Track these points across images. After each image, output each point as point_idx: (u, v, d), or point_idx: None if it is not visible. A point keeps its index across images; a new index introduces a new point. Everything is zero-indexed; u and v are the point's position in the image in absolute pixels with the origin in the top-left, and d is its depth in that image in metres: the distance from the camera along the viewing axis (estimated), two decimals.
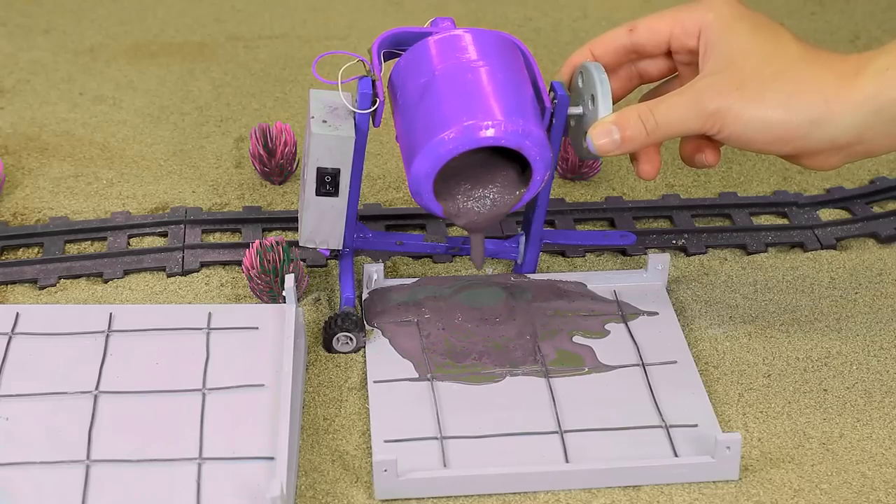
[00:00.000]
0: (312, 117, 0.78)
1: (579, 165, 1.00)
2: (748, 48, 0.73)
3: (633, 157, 0.79)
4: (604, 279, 0.87)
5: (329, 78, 0.79)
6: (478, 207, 0.77)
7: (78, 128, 1.08)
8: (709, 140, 0.76)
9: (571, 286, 0.86)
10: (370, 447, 0.75)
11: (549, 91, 0.78)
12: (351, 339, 0.81)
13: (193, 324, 0.81)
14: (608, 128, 0.74)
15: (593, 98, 0.77)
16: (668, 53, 0.79)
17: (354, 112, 0.78)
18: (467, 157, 0.76)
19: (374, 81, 0.77)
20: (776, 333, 0.85)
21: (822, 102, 0.70)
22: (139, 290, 0.88)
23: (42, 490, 0.69)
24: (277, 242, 0.84)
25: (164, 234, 0.94)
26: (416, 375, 0.79)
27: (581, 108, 0.79)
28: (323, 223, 0.81)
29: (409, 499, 0.72)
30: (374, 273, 0.85)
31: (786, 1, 1.33)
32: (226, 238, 0.94)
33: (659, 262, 0.87)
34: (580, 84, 0.79)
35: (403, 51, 0.79)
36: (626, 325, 0.84)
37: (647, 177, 0.78)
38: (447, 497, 0.72)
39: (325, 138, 0.78)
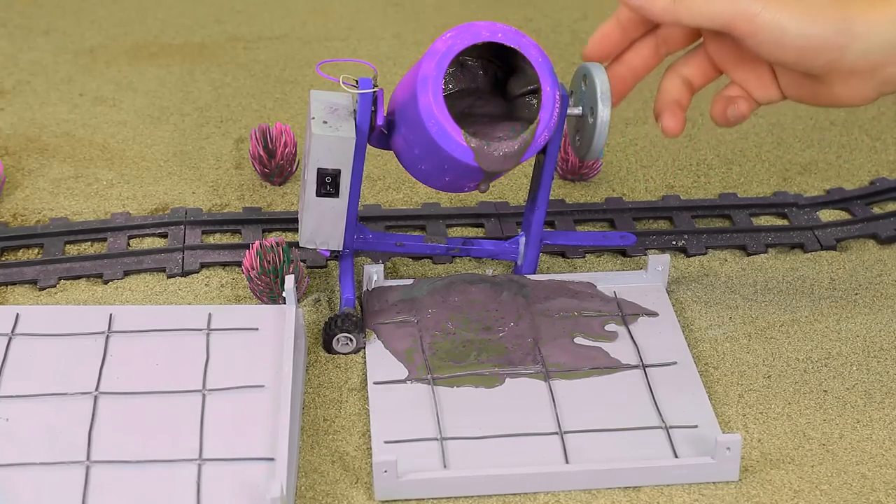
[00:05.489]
0: (313, 118, 0.78)
1: (579, 166, 1.00)
2: None
3: (658, 114, 0.77)
4: (604, 280, 0.87)
5: (333, 80, 0.79)
6: (494, 144, 0.75)
7: (78, 129, 1.08)
8: (740, 90, 0.75)
9: (577, 286, 0.86)
10: (370, 448, 0.75)
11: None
12: (351, 339, 0.81)
13: (193, 325, 0.81)
14: None
15: (594, 101, 0.77)
16: None
17: (355, 111, 0.78)
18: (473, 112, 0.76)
19: (375, 77, 0.77)
20: (776, 334, 0.85)
21: (859, 13, 0.70)
22: (139, 291, 0.88)
23: (42, 491, 0.69)
24: (277, 243, 0.84)
25: (164, 235, 0.94)
26: (416, 376, 0.79)
27: (581, 109, 0.79)
28: (323, 224, 0.81)
29: (409, 500, 0.71)
30: (374, 274, 0.85)
31: None
32: (226, 239, 0.94)
33: (659, 263, 0.87)
34: (582, 86, 0.79)
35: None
36: (626, 326, 0.84)
37: (671, 132, 0.76)
38: (447, 498, 0.72)
39: (326, 139, 0.78)
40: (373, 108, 0.78)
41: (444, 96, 0.75)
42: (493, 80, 0.81)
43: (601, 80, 0.77)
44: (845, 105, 0.74)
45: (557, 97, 0.75)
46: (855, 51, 0.70)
